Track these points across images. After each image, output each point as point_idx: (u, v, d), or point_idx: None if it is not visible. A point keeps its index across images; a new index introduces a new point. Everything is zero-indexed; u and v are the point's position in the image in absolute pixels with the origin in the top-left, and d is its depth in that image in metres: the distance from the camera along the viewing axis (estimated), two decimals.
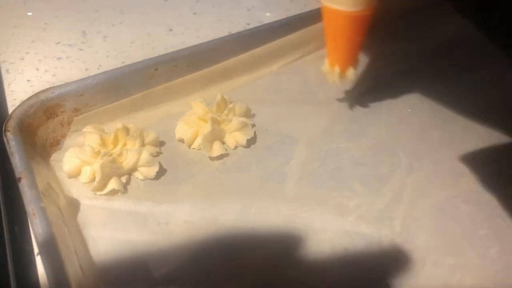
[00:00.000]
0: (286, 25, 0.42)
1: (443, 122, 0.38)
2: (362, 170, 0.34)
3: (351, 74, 0.33)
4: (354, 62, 0.33)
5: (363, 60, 0.42)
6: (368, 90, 0.40)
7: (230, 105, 0.37)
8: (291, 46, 0.43)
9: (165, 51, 0.43)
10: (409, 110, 0.38)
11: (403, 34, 0.44)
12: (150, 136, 0.34)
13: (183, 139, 0.35)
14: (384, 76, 0.41)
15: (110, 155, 0.32)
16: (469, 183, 0.33)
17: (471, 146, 0.36)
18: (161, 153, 0.35)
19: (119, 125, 0.34)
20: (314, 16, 0.44)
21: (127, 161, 0.32)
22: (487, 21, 0.46)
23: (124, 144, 0.33)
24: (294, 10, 0.50)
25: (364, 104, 0.39)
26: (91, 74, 0.41)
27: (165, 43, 0.46)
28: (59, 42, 0.46)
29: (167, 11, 0.50)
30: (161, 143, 0.35)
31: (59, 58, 0.44)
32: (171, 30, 0.47)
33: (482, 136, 0.36)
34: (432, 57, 0.43)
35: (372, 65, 0.42)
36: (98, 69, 0.43)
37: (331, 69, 0.34)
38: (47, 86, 0.35)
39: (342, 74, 0.34)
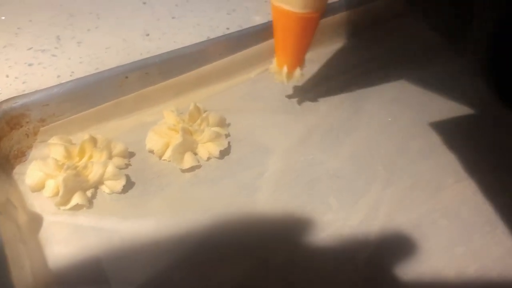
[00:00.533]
0: (265, 30, 0.41)
1: (423, 132, 0.36)
2: (338, 183, 0.32)
3: (298, 74, 0.34)
4: (301, 63, 0.34)
5: (343, 67, 0.41)
6: (347, 98, 0.39)
7: (204, 115, 0.35)
8: (270, 52, 0.41)
9: (140, 56, 0.42)
10: (389, 119, 0.37)
11: (382, 39, 0.43)
12: (118, 148, 0.33)
13: (153, 150, 0.33)
14: (364, 82, 0.40)
15: (75, 168, 0.31)
16: (447, 198, 0.32)
17: (450, 158, 0.34)
18: (130, 165, 0.33)
19: (86, 136, 0.33)
20: None
21: (93, 174, 0.31)
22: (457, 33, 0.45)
23: (90, 157, 0.32)
24: None
25: (343, 113, 0.38)
26: (63, 81, 0.40)
27: (141, 48, 0.44)
28: (31, 48, 0.44)
29: (145, 15, 0.49)
30: (130, 154, 0.34)
31: (30, 65, 0.42)
32: (147, 35, 0.46)
33: (461, 148, 0.35)
34: (413, 64, 0.42)
35: (352, 72, 0.41)
36: (71, 76, 0.41)
37: (279, 69, 0.34)
38: (16, 94, 0.34)
39: (289, 74, 0.34)
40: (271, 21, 0.43)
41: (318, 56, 0.43)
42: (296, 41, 0.32)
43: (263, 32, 0.42)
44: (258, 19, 0.48)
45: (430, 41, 0.44)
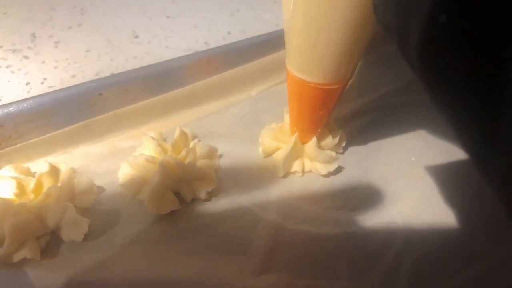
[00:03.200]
0: (270, 40, 0.34)
1: (455, 178, 0.30)
2: (349, 242, 0.26)
3: (328, 145, 0.30)
4: (316, 134, 0.29)
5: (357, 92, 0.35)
6: (362, 128, 0.33)
7: (191, 144, 0.29)
8: (274, 66, 0.35)
9: (125, 62, 0.36)
10: (413, 159, 0.31)
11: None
12: (82, 184, 0.27)
13: (126, 187, 0.27)
14: (382, 110, 0.34)
15: (28, 209, 0.25)
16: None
17: (485, 213, 0.28)
18: (96, 204, 0.27)
19: (45, 167, 0.27)
20: None
21: (49, 218, 0.25)
22: None
23: (48, 195, 0.26)
24: None
25: (356, 147, 0.32)
26: (32, 90, 0.34)
27: (127, 53, 0.38)
28: (1, 47, 0.38)
29: (136, 12, 0.43)
30: (100, 190, 0.28)
31: None
32: (136, 36, 0.40)
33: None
34: None
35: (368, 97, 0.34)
36: (42, 83, 0.35)
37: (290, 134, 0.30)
38: None
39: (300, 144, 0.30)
40: (281, 29, 0.37)
41: None
42: (313, 113, 0.27)
43: (270, 42, 0.35)
44: (264, 24, 0.41)
45: None
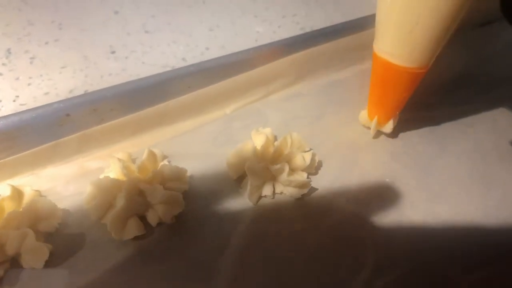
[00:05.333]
0: (247, 59, 0.34)
1: (430, 200, 0.29)
2: (317, 268, 0.26)
3: (389, 128, 0.31)
4: (394, 116, 0.31)
5: None
6: (336, 147, 0.32)
7: (160, 166, 0.29)
8: (250, 83, 0.35)
9: (100, 79, 0.36)
10: (387, 180, 0.30)
11: None
12: (45, 208, 0.26)
13: (91, 211, 0.27)
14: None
15: None
16: None
17: (459, 237, 0.27)
18: (59, 228, 0.27)
19: (7, 190, 0.26)
20: (287, 46, 0.36)
21: (8, 245, 0.24)
22: None
23: (9, 220, 0.25)
24: (266, 35, 0.42)
25: (330, 167, 0.31)
26: (1, 109, 0.33)
27: (103, 69, 0.37)
28: None
29: (114, 27, 0.42)
30: (65, 213, 0.28)
31: None
32: (113, 52, 0.39)
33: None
34: None
35: None
36: (14, 101, 0.35)
37: (369, 120, 0.32)
38: None
39: (379, 126, 0.32)
40: (260, 46, 0.36)
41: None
42: (396, 95, 0.29)
43: (248, 59, 0.35)
44: (244, 40, 0.41)
45: None
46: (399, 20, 0.25)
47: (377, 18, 0.27)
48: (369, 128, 0.32)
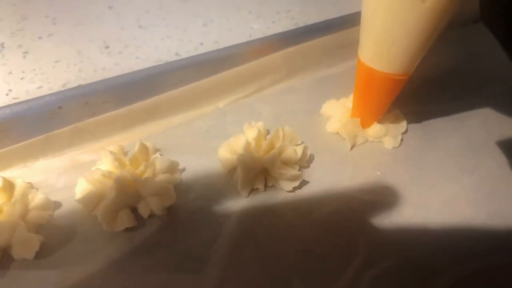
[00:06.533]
0: (239, 54, 0.34)
1: (421, 194, 0.29)
2: (307, 260, 0.26)
3: (391, 144, 0.32)
4: (376, 121, 0.32)
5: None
6: (330, 140, 0.32)
7: (151, 158, 0.29)
8: (243, 78, 0.35)
9: (93, 74, 0.36)
10: (378, 173, 0.30)
11: None
12: (37, 200, 0.26)
13: (82, 203, 0.27)
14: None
15: None
16: None
17: (447, 230, 0.28)
18: (51, 220, 0.27)
19: None
20: (279, 41, 0.36)
21: None
22: None
23: (0, 211, 0.25)
24: (260, 31, 0.42)
25: (322, 160, 0.31)
26: None
27: (96, 64, 0.38)
28: None
29: (108, 22, 0.42)
30: (57, 205, 0.28)
31: None
32: (107, 47, 0.39)
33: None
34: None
35: None
36: (7, 95, 0.35)
37: (350, 120, 0.32)
38: None
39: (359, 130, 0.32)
40: (254, 40, 0.36)
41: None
42: (379, 99, 0.30)
43: (240, 54, 0.35)
44: (238, 35, 0.41)
45: None
46: (378, 40, 0.26)
47: (360, 30, 0.28)
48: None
